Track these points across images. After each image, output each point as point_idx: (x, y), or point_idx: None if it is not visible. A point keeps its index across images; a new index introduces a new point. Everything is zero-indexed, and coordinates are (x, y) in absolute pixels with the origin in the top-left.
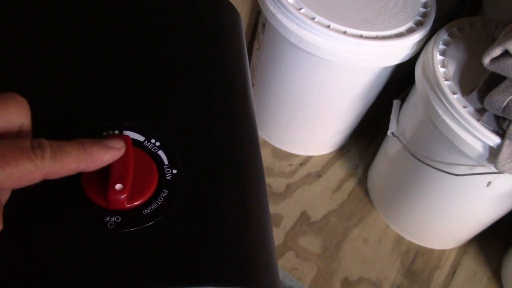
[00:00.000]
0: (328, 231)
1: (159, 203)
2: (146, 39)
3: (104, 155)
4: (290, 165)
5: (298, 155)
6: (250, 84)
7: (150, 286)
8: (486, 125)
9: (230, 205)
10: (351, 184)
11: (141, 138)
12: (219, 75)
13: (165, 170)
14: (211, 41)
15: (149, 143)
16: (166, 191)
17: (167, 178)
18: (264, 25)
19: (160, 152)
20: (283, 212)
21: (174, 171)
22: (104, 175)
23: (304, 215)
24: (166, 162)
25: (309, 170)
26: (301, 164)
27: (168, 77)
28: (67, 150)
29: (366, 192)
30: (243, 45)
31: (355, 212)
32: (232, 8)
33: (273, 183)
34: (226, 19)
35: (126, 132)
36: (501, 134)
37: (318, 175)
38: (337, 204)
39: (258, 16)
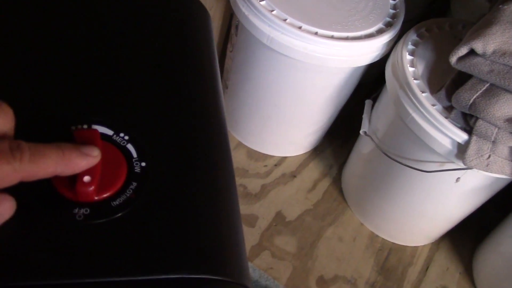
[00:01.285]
0: (303, 231)
1: (128, 195)
2: (115, 37)
3: (81, 161)
4: (265, 166)
5: (273, 156)
6: (219, 81)
7: (119, 275)
8: (454, 122)
9: (199, 197)
10: (325, 184)
11: (109, 132)
12: (188, 72)
13: (133, 163)
14: (180, 39)
15: (117, 137)
16: (134, 183)
17: (135, 170)
18: (237, 27)
19: (129, 146)
20: (258, 213)
21: (143, 164)
22: None
23: (279, 215)
24: (134, 155)
25: (284, 171)
26: (276, 165)
27: (136, 73)
28: (45, 154)
29: (341, 191)
30: (212, 44)
31: (329, 211)
32: (202, 7)
33: (248, 184)
34: (195, 18)
35: (95, 126)
36: (469, 130)
37: (293, 175)
38: (312, 203)
39: (231, 19)
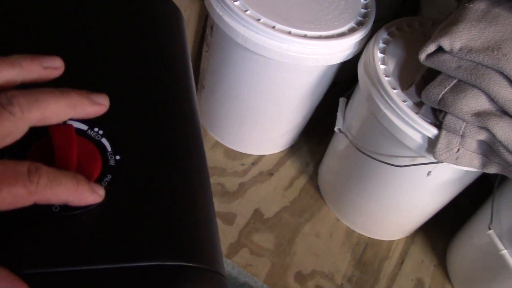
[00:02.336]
0: (281, 227)
1: (103, 187)
2: (87, 36)
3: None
4: (243, 164)
5: (250, 155)
6: (192, 79)
7: (95, 263)
8: (424, 117)
9: (172, 188)
10: (302, 181)
11: (84, 127)
12: (160, 70)
13: (108, 156)
14: (153, 38)
15: (92, 132)
16: (109, 176)
17: (110, 164)
18: (212, 27)
19: (104, 140)
20: (236, 211)
21: (118, 157)
22: (49, 162)
23: (257, 213)
24: (109, 149)
25: (261, 169)
26: (253, 163)
27: (110, 72)
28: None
29: (317, 188)
30: (185, 43)
31: (306, 208)
32: (174, 6)
33: (226, 182)
34: (168, 17)
35: (70, 122)
36: (438, 125)
37: (270, 173)
38: (289, 201)
39: (206, 20)
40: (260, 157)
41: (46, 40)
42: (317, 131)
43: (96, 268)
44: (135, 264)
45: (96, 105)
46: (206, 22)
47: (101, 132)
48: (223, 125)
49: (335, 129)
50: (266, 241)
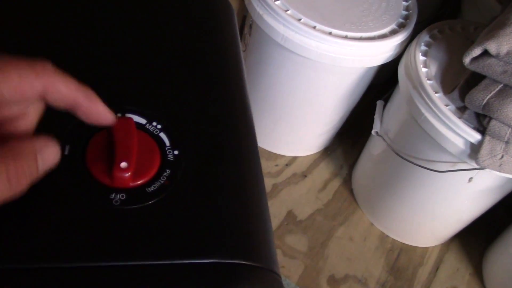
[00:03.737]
0: (314, 230)
1: (162, 181)
2: (146, 32)
3: (100, 105)
4: (276, 165)
5: (284, 156)
6: (245, 76)
7: (155, 259)
8: (467, 122)
9: (229, 185)
10: (336, 183)
11: (143, 121)
12: (216, 67)
13: (167, 151)
14: (208, 35)
15: (150, 126)
16: (168, 171)
17: (169, 158)
18: (250, 26)
19: (162, 134)
20: (269, 211)
21: (176, 152)
22: (109, 155)
23: (290, 214)
24: (167, 143)
25: (295, 170)
26: (287, 165)
27: (168, 67)
28: (68, 77)
29: (351, 191)
30: (237, 39)
31: (340, 211)
32: (227, 3)
33: None
34: (221, 14)
35: (129, 115)
36: (482, 131)
37: (304, 175)
38: (322, 203)
39: (244, 19)
40: (294, 158)
41: (106, 36)
42: (352, 133)
43: (155, 263)
44: (194, 261)
45: (104, 107)
46: (244, 21)
47: (159, 126)
48: (258, 125)
49: (372, 132)
50: (299, 243)
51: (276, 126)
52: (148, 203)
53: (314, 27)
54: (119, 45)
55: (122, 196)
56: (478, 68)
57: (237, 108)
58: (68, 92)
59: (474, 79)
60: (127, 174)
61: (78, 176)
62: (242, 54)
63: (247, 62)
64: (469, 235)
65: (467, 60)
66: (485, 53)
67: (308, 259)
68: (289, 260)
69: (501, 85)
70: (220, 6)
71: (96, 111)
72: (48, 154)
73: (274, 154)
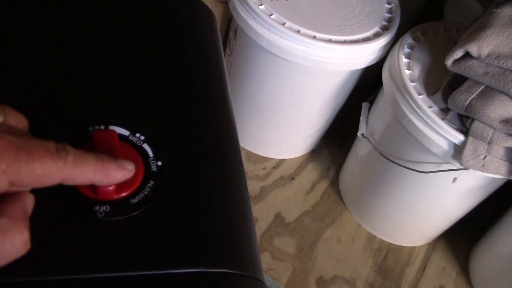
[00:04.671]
0: (302, 232)
1: (146, 193)
2: (127, 43)
3: (118, 173)
4: (264, 168)
5: (272, 159)
6: (228, 83)
7: (140, 269)
8: (451, 123)
9: (213, 195)
10: (323, 185)
11: (126, 132)
12: (198, 75)
13: (150, 162)
14: (190, 43)
15: (134, 137)
16: (152, 182)
17: (152, 169)
18: (235, 31)
19: (145, 146)
20: (258, 214)
21: (159, 163)
22: None
23: (278, 217)
24: (151, 155)
25: (282, 173)
26: (274, 167)
27: (149, 76)
28: (87, 160)
29: (338, 193)
30: (219, 46)
31: (328, 213)
32: (208, 10)
33: (248, 186)
34: (202, 21)
35: (112, 127)
36: (465, 131)
37: (291, 177)
38: (310, 205)
39: (229, 23)
40: (281, 161)
41: (87, 46)
42: (338, 135)
43: (139, 274)
44: (179, 271)
45: (123, 170)
46: (229, 25)
47: (142, 137)
48: (245, 129)
49: (358, 134)
50: (288, 245)
51: (263, 129)
52: (132, 214)
53: (299, 31)
54: (101, 56)
55: (106, 208)
56: (460, 70)
57: (220, 117)
58: (84, 180)
59: (457, 81)
60: (110, 187)
61: (62, 189)
62: (224, 62)
63: (232, 66)
64: (455, 234)
65: (449, 62)
66: (467, 55)
67: (297, 261)
68: (277, 262)
69: (483, 87)
70: (202, 14)
71: (114, 181)
72: (18, 243)
73: (262, 157)
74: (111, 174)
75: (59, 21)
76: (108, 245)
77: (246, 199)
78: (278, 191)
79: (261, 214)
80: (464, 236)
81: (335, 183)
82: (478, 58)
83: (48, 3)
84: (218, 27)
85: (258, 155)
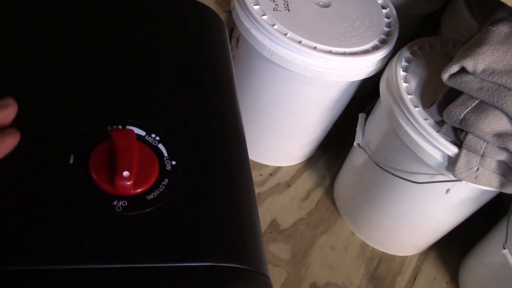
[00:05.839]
0: (297, 239)
1: (161, 190)
2: (142, 47)
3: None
4: (261, 175)
5: (268, 166)
6: (236, 86)
7: (154, 262)
8: (445, 136)
9: (223, 193)
10: (318, 193)
11: (142, 133)
12: (209, 79)
13: (165, 161)
14: (201, 48)
15: (150, 138)
16: (166, 180)
17: (167, 168)
18: (238, 39)
19: (160, 146)
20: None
21: (173, 162)
22: (112, 164)
23: (274, 223)
24: (165, 154)
25: (279, 180)
26: (271, 174)
27: (164, 80)
28: None
29: (333, 201)
30: (228, 51)
31: (322, 221)
32: (217, 16)
33: None
34: (212, 27)
35: (129, 127)
36: (459, 144)
37: (287, 185)
38: (305, 212)
39: (231, 31)
40: (278, 168)
41: (105, 51)
42: (334, 144)
43: (154, 266)
44: (191, 264)
45: (4, 109)
46: (231, 34)
47: (158, 138)
48: None
49: (354, 144)
50: (282, 251)
51: (261, 136)
52: (148, 209)
53: (300, 42)
54: (120, 61)
55: (124, 203)
56: (455, 84)
57: (229, 119)
58: None
59: (452, 95)
60: (128, 183)
61: (83, 185)
62: (233, 67)
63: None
64: (446, 245)
65: (445, 76)
66: (463, 70)
67: (291, 267)
68: (272, 267)
69: (477, 101)
70: (212, 20)
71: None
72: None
73: (259, 164)
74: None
75: (82, 26)
76: (126, 238)
77: (253, 197)
78: (274, 197)
79: None
80: (455, 247)
81: (330, 192)
82: (473, 73)
83: (74, 9)
84: (227, 32)
85: (256, 162)
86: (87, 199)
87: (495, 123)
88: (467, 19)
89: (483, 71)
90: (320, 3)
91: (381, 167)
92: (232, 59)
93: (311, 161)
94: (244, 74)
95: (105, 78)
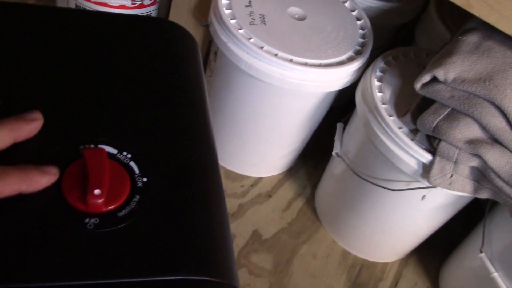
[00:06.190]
0: (278, 248)
1: (132, 206)
2: (113, 66)
3: (42, 179)
4: (242, 186)
5: (249, 177)
6: (208, 104)
7: (125, 277)
8: (419, 144)
9: (193, 208)
10: (299, 203)
11: (114, 151)
12: (180, 97)
13: (136, 178)
14: (173, 67)
15: (121, 155)
16: (138, 196)
17: (138, 185)
18: (215, 53)
19: (132, 163)
20: (235, 231)
21: (145, 179)
22: (83, 182)
23: (255, 234)
24: (137, 171)
25: (260, 191)
26: (252, 185)
27: (135, 100)
28: (9, 173)
29: (314, 210)
30: (200, 70)
31: (304, 230)
32: (190, 36)
33: (226, 203)
34: (185, 46)
35: (101, 146)
36: (433, 152)
37: (269, 195)
38: (287, 222)
39: (209, 45)
40: (259, 179)
41: (74, 71)
42: (314, 154)
43: (125, 281)
44: (162, 278)
45: (47, 175)
46: (209, 48)
47: (129, 155)
48: (224, 147)
49: (333, 153)
50: (264, 261)
51: (242, 148)
52: (119, 226)
53: (276, 55)
54: (90, 81)
55: (96, 220)
56: (428, 93)
57: (200, 136)
58: (11, 191)
59: (425, 104)
60: (100, 200)
61: (55, 203)
62: (205, 84)
63: (213, 87)
64: (426, 250)
65: (418, 86)
66: (434, 79)
67: (273, 277)
68: (254, 278)
69: (449, 109)
70: (184, 39)
71: (40, 186)
72: None
73: (240, 175)
74: (36, 181)
75: (52, 45)
76: (97, 254)
77: (224, 211)
78: (255, 208)
79: (239, 231)
80: (435, 252)
81: (311, 201)
82: (444, 82)
83: (44, 31)
84: (200, 51)
85: (237, 173)
86: (60, 217)
87: (466, 130)
88: (440, 29)
89: (454, 80)
90: (296, 16)
91: (359, 176)
92: (204, 76)
93: (291, 171)
94: (222, 87)
95: (78, 98)
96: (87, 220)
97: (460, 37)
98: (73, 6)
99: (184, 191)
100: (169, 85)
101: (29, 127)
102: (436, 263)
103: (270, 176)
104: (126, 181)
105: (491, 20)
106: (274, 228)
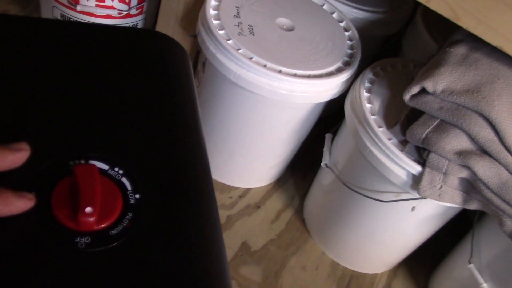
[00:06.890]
0: (267, 260)
1: (125, 224)
2: (102, 80)
3: (17, 202)
4: (230, 197)
5: (238, 188)
6: (199, 116)
7: None
8: (409, 155)
9: (187, 224)
10: (288, 214)
11: (105, 167)
12: (172, 110)
13: (128, 195)
14: (163, 80)
15: (113, 171)
16: (130, 214)
17: (130, 202)
18: (204, 64)
19: (124, 179)
20: (224, 243)
21: (137, 196)
22: (74, 200)
23: (244, 245)
24: (129, 188)
25: (249, 202)
26: (240, 196)
27: (126, 114)
28: None
29: (303, 221)
30: (191, 81)
31: (292, 241)
32: (180, 47)
33: None
34: (175, 57)
35: (92, 161)
36: (422, 163)
37: (257, 206)
38: (275, 233)
39: (197, 55)
40: (247, 190)
41: (64, 85)
42: (302, 165)
43: None
44: None
45: (22, 199)
46: (197, 58)
47: (121, 171)
48: (212, 158)
49: (322, 164)
50: (253, 273)
51: (230, 159)
52: (111, 245)
53: (265, 66)
54: (81, 95)
55: (87, 239)
56: (417, 104)
57: (193, 150)
58: None
59: (414, 115)
60: (91, 219)
61: (45, 222)
62: (196, 95)
63: (200, 97)
64: (415, 261)
65: (407, 97)
66: (423, 90)
67: None
68: None
69: (438, 120)
70: (175, 50)
71: (16, 209)
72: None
73: (228, 186)
74: (11, 203)
75: (41, 59)
76: (89, 275)
77: (218, 228)
78: (244, 219)
79: (228, 243)
80: (424, 262)
81: (299, 212)
82: (433, 93)
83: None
84: (190, 62)
85: (225, 185)
86: (50, 237)
87: (455, 141)
88: (426, 40)
89: (443, 91)
90: (284, 27)
91: (348, 187)
92: (195, 88)
93: (280, 182)
94: (211, 98)
95: (67, 112)
96: (78, 239)
97: (447, 48)
98: (58, 16)
99: (178, 208)
100: (160, 98)
101: (13, 157)
102: (425, 274)
103: (259, 187)
104: (118, 198)
105: (478, 31)
106: (263, 239)
